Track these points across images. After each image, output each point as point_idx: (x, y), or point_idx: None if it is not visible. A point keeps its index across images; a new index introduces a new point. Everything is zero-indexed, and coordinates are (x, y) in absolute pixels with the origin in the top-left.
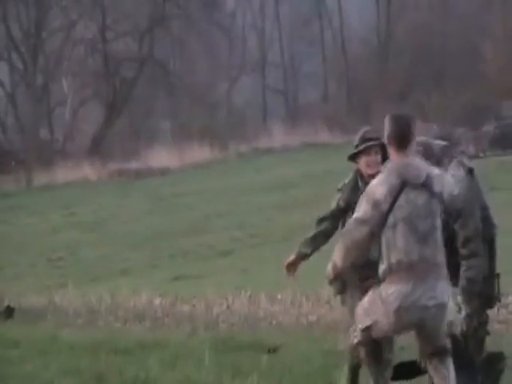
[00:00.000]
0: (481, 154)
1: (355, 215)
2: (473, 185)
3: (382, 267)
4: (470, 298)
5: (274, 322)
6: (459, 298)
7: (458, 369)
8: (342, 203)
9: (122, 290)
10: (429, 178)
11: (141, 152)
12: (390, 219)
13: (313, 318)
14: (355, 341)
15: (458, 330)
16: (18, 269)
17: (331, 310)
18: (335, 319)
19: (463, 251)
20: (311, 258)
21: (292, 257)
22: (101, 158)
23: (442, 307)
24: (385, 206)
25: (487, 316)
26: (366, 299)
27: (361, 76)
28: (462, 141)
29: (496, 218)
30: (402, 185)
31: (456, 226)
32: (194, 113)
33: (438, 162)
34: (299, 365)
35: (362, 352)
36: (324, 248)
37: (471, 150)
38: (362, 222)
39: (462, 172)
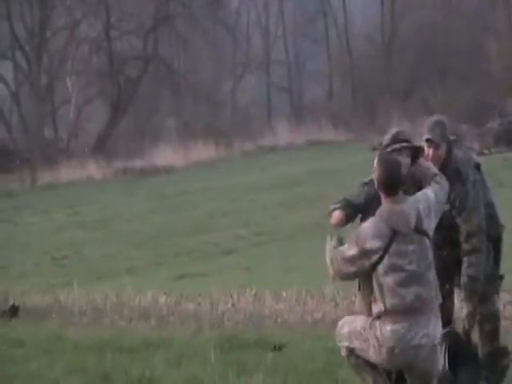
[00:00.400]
0: (485, 151)
1: (344, 251)
2: (479, 180)
3: (375, 307)
4: (471, 296)
5: (279, 320)
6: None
7: (461, 365)
8: (370, 198)
9: (127, 289)
10: (419, 219)
11: (145, 150)
12: (381, 268)
13: (318, 315)
14: (342, 353)
15: (460, 328)
16: (22, 268)
17: (336, 307)
18: (340, 316)
19: (465, 246)
20: (315, 256)
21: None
22: (105, 156)
23: (434, 349)
24: (375, 258)
25: (491, 310)
26: (360, 323)
27: (365, 73)
28: (467, 137)
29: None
30: (393, 235)
31: (459, 220)
32: (198, 111)
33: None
34: (304, 362)
35: (352, 360)
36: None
37: (476, 146)
38: (349, 262)
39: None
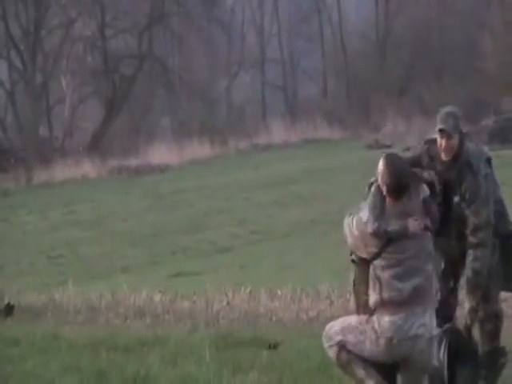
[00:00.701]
0: None
1: (352, 230)
2: (490, 175)
3: (372, 297)
4: (474, 290)
5: (274, 318)
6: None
7: (461, 362)
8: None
9: (122, 287)
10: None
11: (140, 149)
12: (379, 262)
13: (313, 313)
14: (330, 354)
15: (461, 324)
16: (17, 267)
17: (331, 305)
18: (335, 314)
19: (471, 239)
20: (311, 254)
21: None
22: (100, 155)
23: (430, 340)
24: (372, 250)
25: (494, 309)
26: (354, 319)
27: (360, 71)
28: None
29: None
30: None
31: (468, 212)
32: (193, 109)
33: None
34: (299, 361)
35: (344, 355)
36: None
37: None
38: (352, 238)
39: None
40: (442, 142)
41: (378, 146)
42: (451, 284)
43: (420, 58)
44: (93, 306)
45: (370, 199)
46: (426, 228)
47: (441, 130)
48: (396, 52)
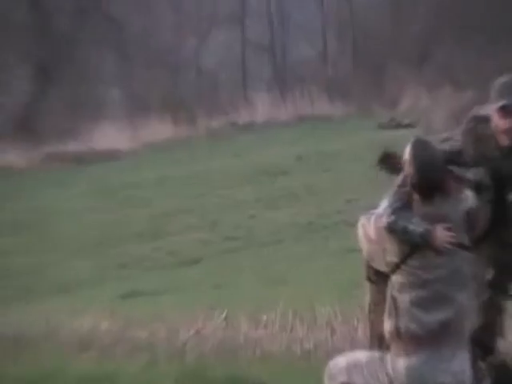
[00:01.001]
0: None
1: (368, 231)
2: None
3: (386, 325)
4: None
5: (258, 351)
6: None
7: None
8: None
9: (60, 311)
10: None
11: (82, 130)
12: (396, 279)
13: (309, 345)
14: None
15: (507, 356)
16: None
17: (332, 334)
18: (338, 346)
19: None
20: (305, 266)
21: None
22: (30, 139)
23: None
24: (390, 259)
25: None
26: (364, 354)
27: (369, 28)
28: None
29: None
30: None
31: None
32: (151, 78)
33: None
34: None
35: None
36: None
37: None
38: (368, 242)
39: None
40: (503, 122)
41: (393, 125)
42: (493, 299)
43: (446, 12)
44: (23, 336)
45: (393, 189)
46: (460, 245)
47: (504, 107)
48: (415, 3)
